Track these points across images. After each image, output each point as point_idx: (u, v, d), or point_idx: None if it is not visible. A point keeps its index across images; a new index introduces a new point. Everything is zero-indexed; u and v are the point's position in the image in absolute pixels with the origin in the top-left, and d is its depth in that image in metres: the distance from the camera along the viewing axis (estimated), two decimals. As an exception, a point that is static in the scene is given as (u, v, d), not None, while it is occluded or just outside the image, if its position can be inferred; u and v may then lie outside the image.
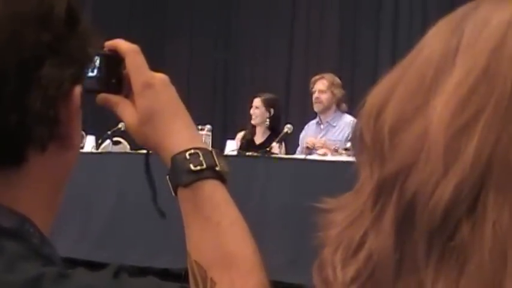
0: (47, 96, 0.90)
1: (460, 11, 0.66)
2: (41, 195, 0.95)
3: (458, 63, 0.63)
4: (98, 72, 1.12)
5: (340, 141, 6.90)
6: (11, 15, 0.90)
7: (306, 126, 7.48)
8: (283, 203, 6.11)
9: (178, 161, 1.09)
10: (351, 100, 7.31)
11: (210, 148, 1.11)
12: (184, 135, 1.12)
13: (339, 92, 7.21)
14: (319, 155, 6.70)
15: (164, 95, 1.12)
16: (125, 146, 7.53)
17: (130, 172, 6.11)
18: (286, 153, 7.12)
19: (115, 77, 1.13)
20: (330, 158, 6.52)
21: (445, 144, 0.60)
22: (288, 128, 7.10)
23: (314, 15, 10.52)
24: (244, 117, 8.01)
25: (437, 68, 0.64)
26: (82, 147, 7.24)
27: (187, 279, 1.07)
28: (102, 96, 1.13)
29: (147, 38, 9.40)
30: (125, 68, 1.12)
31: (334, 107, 7.24)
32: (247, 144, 7.48)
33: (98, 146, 7.50)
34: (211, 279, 1.04)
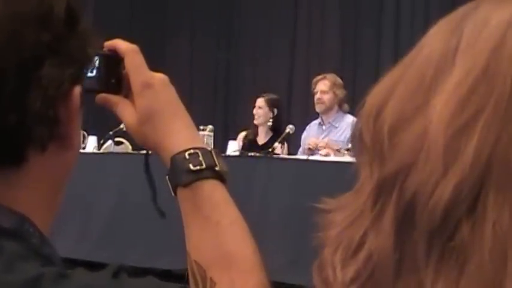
0: (47, 96, 0.90)
1: (460, 10, 0.66)
2: (40, 195, 0.95)
3: (458, 63, 0.63)
4: (97, 72, 1.12)
5: (342, 142, 6.89)
6: (11, 15, 0.90)
7: (308, 127, 7.47)
8: (285, 204, 6.11)
9: (177, 160, 1.09)
10: (352, 100, 7.30)
11: (209, 148, 1.11)
12: (183, 135, 1.12)
13: (340, 93, 7.21)
14: (322, 155, 6.70)
15: (163, 94, 1.12)
16: (126, 147, 7.54)
17: (132, 172, 6.11)
18: (288, 154, 7.12)
19: (114, 77, 1.13)
20: (331, 158, 6.52)
21: (445, 144, 0.60)
22: (290, 128, 7.10)
23: (316, 15, 10.53)
24: (246, 118, 8.01)
25: (437, 68, 0.64)
26: (84, 148, 7.25)
27: (188, 280, 1.07)
28: (102, 96, 1.14)
29: (149, 38, 9.42)
30: (124, 67, 1.12)
31: (336, 108, 7.24)
32: (250, 144, 7.49)
33: (99, 146, 7.51)
34: (210, 279, 1.04)
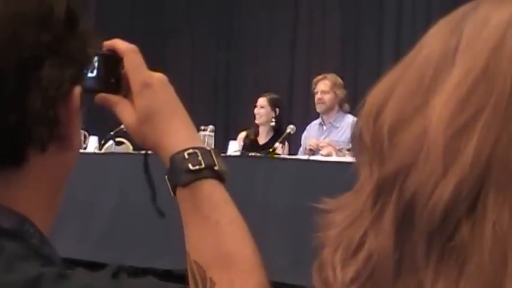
0: (47, 96, 0.90)
1: (460, 10, 0.66)
2: (40, 195, 0.95)
3: (457, 63, 0.63)
4: (96, 72, 1.12)
5: (343, 142, 6.88)
6: (11, 16, 0.90)
7: (308, 127, 7.47)
8: (285, 204, 6.11)
9: (176, 160, 1.09)
10: (353, 100, 7.29)
11: (208, 147, 1.11)
12: (182, 134, 1.12)
13: (341, 93, 7.20)
14: (323, 155, 6.70)
15: (162, 94, 1.12)
16: (127, 147, 7.54)
17: (133, 173, 6.10)
18: (289, 154, 7.12)
19: (114, 76, 1.13)
20: (332, 158, 6.51)
21: (445, 144, 0.60)
22: (290, 128, 7.10)
23: (316, 15, 10.52)
24: (247, 118, 8.01)
25: (437, 68, 0.64)
26: (85, 148, 7.26)
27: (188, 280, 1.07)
28: (101, 96, 1.14)
29: (149, 39, 9.42)
30: (123, 67, 1.12)
31: (336, 108, 7.24)
32: (251, 144, 7.48)
33: (100, 146, 7.51)
34: (210, 279, 1.04)
